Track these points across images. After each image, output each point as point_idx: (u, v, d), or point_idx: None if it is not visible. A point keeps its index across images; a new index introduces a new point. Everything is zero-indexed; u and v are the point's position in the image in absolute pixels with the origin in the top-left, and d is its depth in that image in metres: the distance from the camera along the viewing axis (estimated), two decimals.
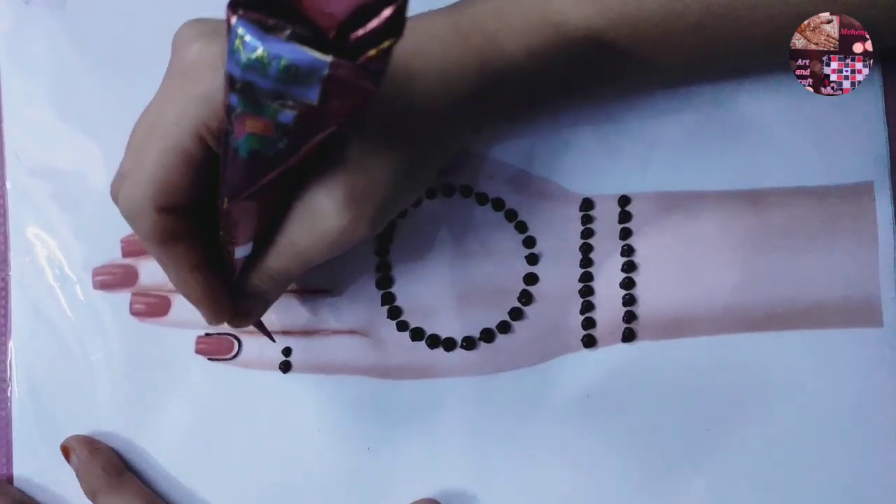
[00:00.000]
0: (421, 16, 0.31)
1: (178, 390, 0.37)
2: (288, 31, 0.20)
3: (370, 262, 0.37)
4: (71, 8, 0.38)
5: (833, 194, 0.36)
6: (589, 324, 0.36)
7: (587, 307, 0.36)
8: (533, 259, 0.36)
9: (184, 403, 0.37)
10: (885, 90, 0.36)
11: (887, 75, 0.36)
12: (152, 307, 0.37)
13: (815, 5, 0.31)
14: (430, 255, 0.37)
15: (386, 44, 0.21)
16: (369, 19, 0.21)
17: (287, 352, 0.37)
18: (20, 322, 0.38)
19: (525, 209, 0.37)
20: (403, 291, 0.37)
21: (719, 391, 0.35)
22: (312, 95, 0.21)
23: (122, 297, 0.38)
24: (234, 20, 0.20)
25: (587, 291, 0.36)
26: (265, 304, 0.32)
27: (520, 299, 0.36)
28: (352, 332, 0.37)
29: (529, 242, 0.36)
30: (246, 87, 0.21)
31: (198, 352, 0.37)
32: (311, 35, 0.20)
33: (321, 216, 0.28)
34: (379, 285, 0.37)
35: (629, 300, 0.36)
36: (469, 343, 0.36)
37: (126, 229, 0.30)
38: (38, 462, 0.37)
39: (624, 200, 0.36)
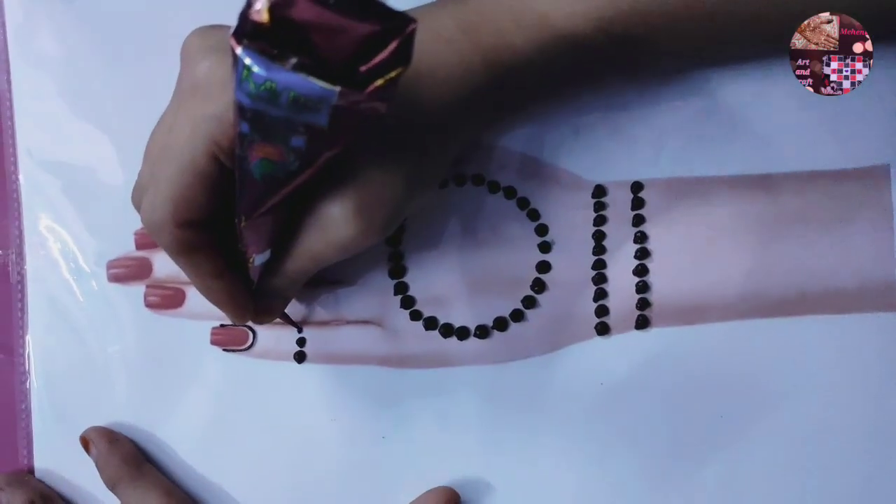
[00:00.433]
0: (424, 12, 0.30)
1: (194, 381, 0.37)
2: (293, 61, 0.20)
3: (383, 251, 0.37)
4: (80, 0, 0.38)
5: (848, 178, 0.35)
6: (602, 311, 0.36)
7: (600, 295, 0.36)
8: (545, 247, 0.36)
9: (200, 394, 0.37)
10: None
11: None
12: (167, 299, 0.38)
13: None
14: (442, 243, 0.37)
15: (394, 73, 0.21)
16: (376, 50, 0.21)
17: (301, 342, 0.37)
18: (37, 315, 0.38)
19: (537, 197, 0.36)
20: (416, 281, 0.37)
21: (733, 378, 0.35)
22: (322, 120, 0.21)
23: (137, 290, 0.38)
24: (239, 50, 0.20)
25: (600, 279, 0.36)
26: (285, 301, 0.33)
27: (533, 287, 0.36)
28: (365, 321, 0.37)
29: (542, 230, 0.36)
30: (256, 116, 0.21)
31: (213, 343, 0.37)
32: (315, 64, 0.20)
33: (333, 225, 0.28)
34: (392, 275, 0.37)
35: (642, 287, 0.36)
36: (482, 332, 0.36)
37: (139, 221, 0.31)
38: (58, 454, 0.38)
39: (637, 187, 0.36)
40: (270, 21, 0.20)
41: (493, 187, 0.37)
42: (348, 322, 0.37)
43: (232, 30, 0.20)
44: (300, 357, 0.37)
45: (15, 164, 0.38)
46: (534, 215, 0.36)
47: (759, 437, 0.35)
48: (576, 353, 0.36)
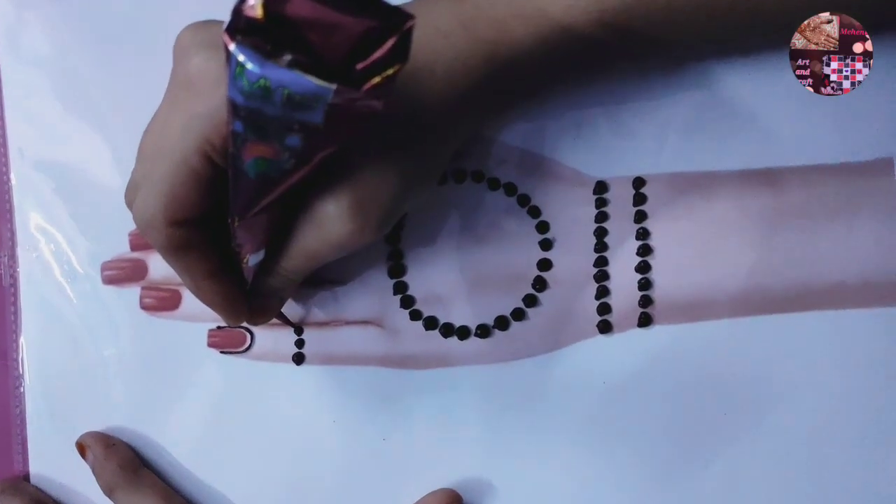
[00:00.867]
0: (420, 5, 0.30)
1: (192, 384, 0.37)
2: (288, 58, 0.20)
3: (382, 250, 0.36)
4: None
5: (852, 171, 0.35)
6: (604, 309, 0.36)
7: (602, 292, 0.36)
8: (546, 244, 0.36)
9: (197, 397, 0.37)
10: None
11: None
12: (163, 301, 0.37)
13: None
14: (442, 242, 0.36)
15: (391, 71, 0.21)
16: (373, 47, 0.20)
17: (300, 343, 0.37)
18: (30, 319, 0.38)
19: (538, 193, 0.36)
20: (416, 280, 0.36)
21: (737, 375, 0.35)
22: (317, 118, 0.21)
23: (132, 292, 0.37)
24: (232, 47, 0.20)
25: (602, 276, 0.36)
26: (280, 302, 0.33)
27: (534, 285, 0.36)
28: (365, 322, 0.36)
29: (543, 227, 0.36)
30: (250, 114, 0.21)
31: (210, 345, 0.37)
32: (310, 61, 0.20)
33: (329, 223, 0.28)
34: (391, 274, 0.36)
35: (645, 284, 0.35)
36: (483, 331, 0.36)
37: (133, 222, 0.30)
38: (53, 459, 0.37)
39: (639, 182, 0.36)
40: (265, 17, 0.19)
41: (493, 184, 0.36)
42: (347, 322, 0.36)
43: (225, 25, 0.20)
44: (299, 358, 0.37)
45: (6, 163, 0.38)
46: (535, 212, 0.36)
47: (763, 435, 0.35)
48: (578, 352, 0.36)
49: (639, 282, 0.35)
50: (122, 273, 0.37)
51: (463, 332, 0.36)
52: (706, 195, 0.35)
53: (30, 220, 0.38)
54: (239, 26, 0.20)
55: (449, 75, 0.29)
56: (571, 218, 0.36)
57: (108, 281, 0.37)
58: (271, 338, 0.37)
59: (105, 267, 0.37)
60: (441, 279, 0.36)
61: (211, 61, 0.27)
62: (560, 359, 0.36)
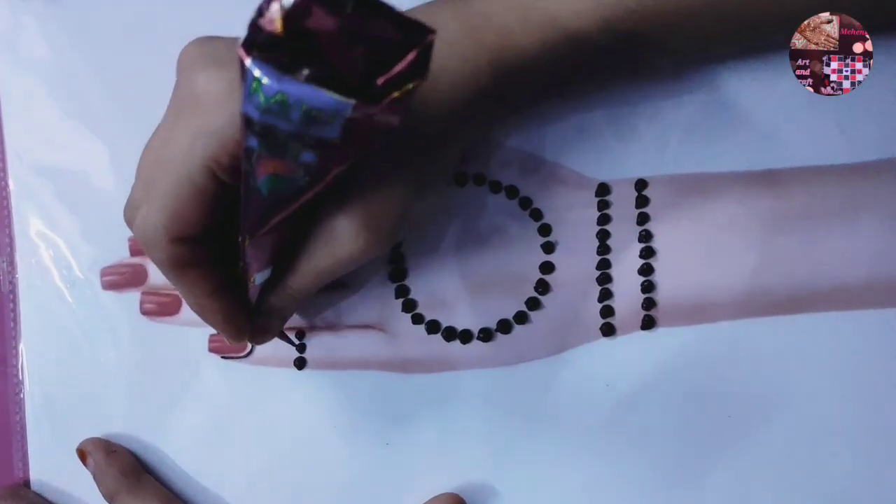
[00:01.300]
0: (424, 12, 0.30)
1: (192, 389, 0.37)
2: (306, 73, 0.19)
3: (383, 254, 0.36)
4: (67, 1, 0.37)
5: (855, 173, 0.35)
6: (607, 312, 0.35)
7: (605, 295, 0.35)
8: (549, 247, 0.36)
9: (198, 402, 0.37)
10: None
11: None
12: (163, 306, 0.37)
13: None
14: (443, 245, 0.36)
15: (410, 86, 0.20)
16: (392, 61, 0.20)
17: (301, 348, 0.36)
18: (30, 325, 0.37)
19: (540, 196, 0.36)
20: (417, 284, 0.36)
21: (741, 377, 0.35)
22: (334, 133, 0.20)
23: (132, 297, 0.37)
24: (248, 62, 0.19)
25: (605, 279, 0.35)
26: (283, 320, 0.33)
27: (536, 289, 0.36)
28: (366, 326, 0.36)
29: (545, 230, 0.36)
30: (265, 129, 0.21)
31: (211, 350, 0.37)
32: (328, 75, 0.19)
33: (341, 240, 0.28)
34: (392, 278, 0.36)
35: (648, 287, 0.35)
36: (486, 335, 0.36)
37: None
38: (54, 466, 0.37)
39: (641, 184, 0.35)
40: (284, 31, 0.19)
41: (495, 187, 0.36)
42: (349, 327, 0.36)
43: (241, 40, 0.19)
44: (300, 363, 0.36)
45: (4, 169, 0.38)
46: (536, 215, 0.36)
47: (768, 437, 0.35)
48: (581, 355, 0.35)
49: (642, 284, 0.35)
50: (122, 278, 0.37)
51: (465, 336, 0.36)
52: (708, 197, 0.35)
53: (29, 226, 0.38)
54: (256, 41, 0.19)
55: (455, 84, 0.29)
56: (574, 220, 0.36)
57: (108, 286, 0.37)
58: (272, 343, 0.36)
59: (105, 272, 0.37)
60: (443, 283, 0.36)
61: (216, 79, 0.26)
62: (563, 362, 0.35)
